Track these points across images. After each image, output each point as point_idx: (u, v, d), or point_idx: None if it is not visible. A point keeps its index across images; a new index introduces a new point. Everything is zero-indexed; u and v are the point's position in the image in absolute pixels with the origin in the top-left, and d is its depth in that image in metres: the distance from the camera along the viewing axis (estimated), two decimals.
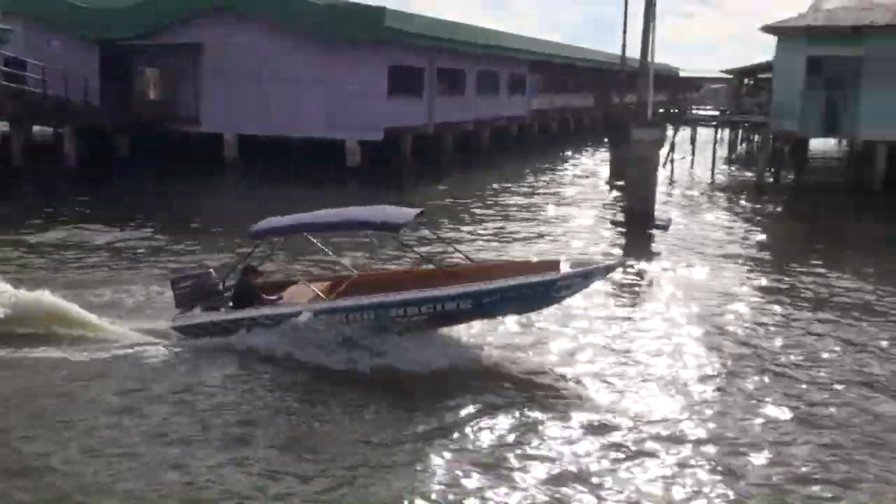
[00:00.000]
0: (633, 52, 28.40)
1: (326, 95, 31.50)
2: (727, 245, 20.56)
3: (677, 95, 70.43)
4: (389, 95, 32.42)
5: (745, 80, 44.39)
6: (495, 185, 30.57)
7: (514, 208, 25.56)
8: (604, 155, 40.66)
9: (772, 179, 31.64)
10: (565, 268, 11.78)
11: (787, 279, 16.77)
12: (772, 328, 13.20)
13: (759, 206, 27.37)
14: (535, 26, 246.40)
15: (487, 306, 11.72)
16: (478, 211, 24.86)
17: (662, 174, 29.80)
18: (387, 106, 32.25)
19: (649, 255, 18.99)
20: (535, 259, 14.99)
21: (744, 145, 48.85)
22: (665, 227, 21.83)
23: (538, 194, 28.90)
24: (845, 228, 24.17)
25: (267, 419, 9.58)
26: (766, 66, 31.87)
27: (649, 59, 24.56)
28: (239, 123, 32.30)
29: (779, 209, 27.24)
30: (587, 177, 34.68)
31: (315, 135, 31.69)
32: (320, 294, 12.05)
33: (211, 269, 13.13)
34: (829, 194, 30.84)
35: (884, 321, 13.69)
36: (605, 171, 34.83)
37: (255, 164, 31.20)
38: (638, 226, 21.54)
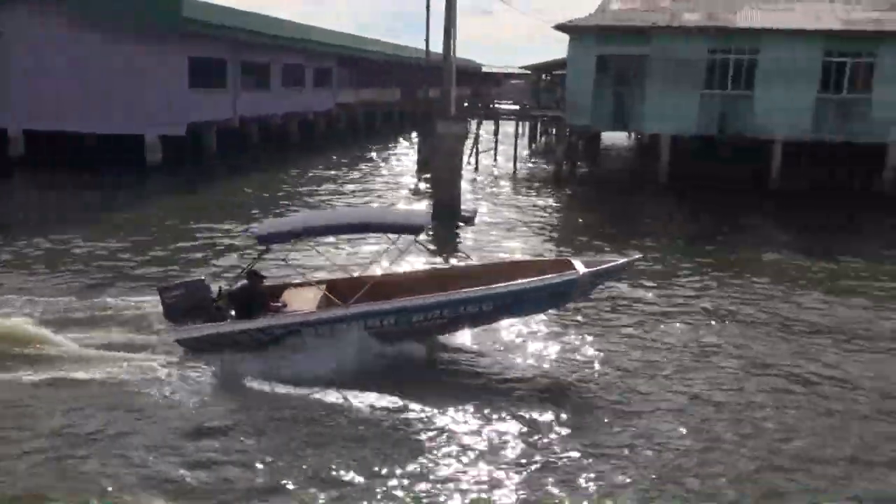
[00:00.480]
0: (437, 47, 28.98)
1: (123, 88, 29.86)
2: (528, 233, 21.53)
3: (480, 90, 72.41)
4: (191, 88, 31.30)
5: (543, 76, 46.48)
6: (302, 180, 30.31)
7: (323, 204, 25.44)
8: (411, 148, 41.29)
9: (569, 171, 33.36)
10: (580, 266, 11.67)
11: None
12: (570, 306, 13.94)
13: (557, 195, 28.85)
14: (348, 21, 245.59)
15: (511, 308, 11.63)
16: (286, 208, 24.52)
17: (467, 167, 30.76)
18: (189, 99, 31.12)
19: (457, 246, 19.56)
20: (546, 257, 15.30)
21: (543, 138, 51.10)
22: (471, 219, 22.53)
23: (346, 189, 28.90)
24: (634, 215, 25.90)
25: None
26: (562, 63, 33.46)
27: (452, 54, 25.18)
28: (26, 118, 30.03)
29: (575, 198, 28.80)
30: (395, 170, 35.10)
31: (112, 130, 30.05)
32: (334, 298, 11.55)
33: (202, 277, 12.49)
34: (620, 184, 32.93)
35: (663, 287, 14.90)
36: (412, 164, 35.41)
37: (44, 163, 29.14)
38: (445, 218, 22.07)
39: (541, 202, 27.25)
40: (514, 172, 34.64)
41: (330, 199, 25.99)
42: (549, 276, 11.52)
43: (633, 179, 34.30)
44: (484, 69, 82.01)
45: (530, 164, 38.75)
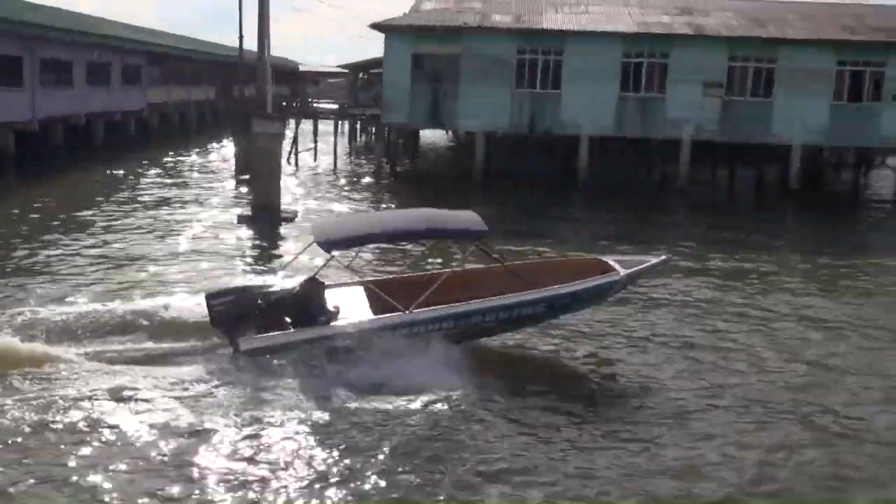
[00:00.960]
0: (252, 44, 28.48)
1: None
2: None
3: (298, 89, 71.62)
4: None
5: (361, 75, 46.66)
6: (112, 185, 28.92)
7: (134, 211, 24.34)
8: (229, 149, 40.30)
9: (389, 168, 33.75)
10: (618, 266, 11.98)
11: (408, 260, 18.09)
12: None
13: (378, 193, 29.17)
14: (154, 17, 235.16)
15: (558, 309, 11.92)
16: (91, 217, 22.97)
17: (287, 166, 30.46)
18: None
19: (278, 248, 19.38)
20: (572, 256, 15.28)
21: (363, 137, 51.31)
22: (292, 219, 22.37)
23: (158, 195, 27.86)
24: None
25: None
26: (379, 62, 33.77)
27: (266, 52, 24.87)
28: None
29: (395, 195, 29.18)
30: (211, 171, 34.18)
31: None
32: (390, 300, 11.15)
33: (249, 284, 11.93)
34: (438, 181, 33.66)
35: None
36: (230, 165, 34.60)
37: None
38: (265, 219, 21.79)
39: (362, 200, 27.43)
40: (335, 171, 34.63)
41: (145, 208, 24.95)
42: (596, 277, 11.90)
43: (451, 176, 35.18)
44: (301, 68, 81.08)
45: (351, 163, 38.85)
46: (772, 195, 32.42)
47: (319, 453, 8.89)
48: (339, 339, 10.72)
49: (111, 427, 9.16)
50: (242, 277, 14.52)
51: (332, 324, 11.01)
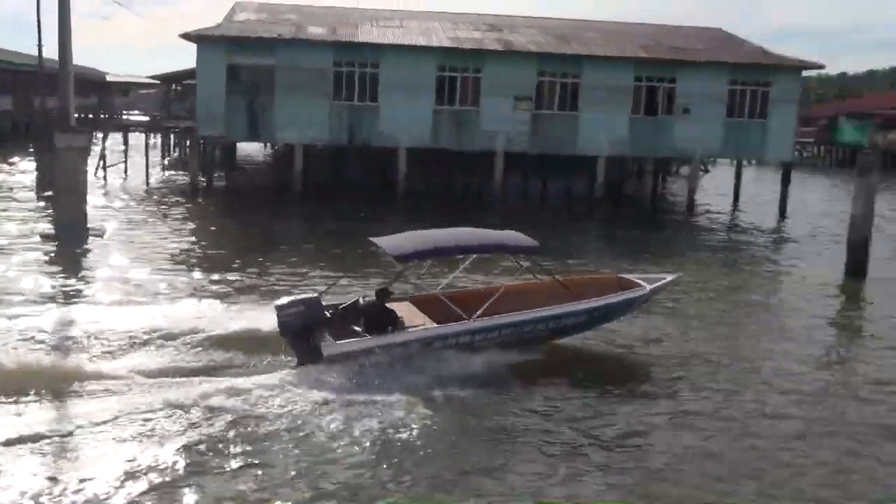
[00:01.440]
0: (52, 52, 26.90)
1: None
2: (164, 248, 20.90)
3: (105, 100, 68.27)
4: None
5: (174, 86, 45.17)
6: None
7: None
8: (29, 164, 37.77)
9: (205, 182, 32.84)
10: (642, 282, 13.59)
11: (230, 276, 17.71)
12: (222, 314, 13.88)
13: (193, 208, 28.28)
14: None
15: (596, 320, 13.22)
16: None
17: (95, 182, 28.98)
18: None
19: (84, 266, 18.43)
20: (594, 273, 16.81)
21: (177, 150, 49.65)
22: (99, 236, 21.34)
23: None
24: (269, 224, 26.08)
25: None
26: (193, 73, 32.81)
27: (69, 60, 23.56)
28: None
29: (211, 210, 28.44)
30: (10, 188, 31.90)
31: None
32: (456, 309, 12.20)
33: (317, 294, 12.42)
34: (257, 195, 33.13)
35: None
36: (30, 180, 32.42)
37: None
38: (71, 237, 20.65)
39: (176, 215, 26.54)
40: (147, 186, 33.28)
41: None
42: (628, 291, 13.35)
43: (270, 189, 34.69)
44: (109, 78, 77.36)
45: (164, 178, 37.44)
46: (580, 203, 34.18)
47: (422, 448, 9.66)
48: (411, 346, 11.70)
49: (224, 439, 9.56)
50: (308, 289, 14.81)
51: (403, 331, 11.97)
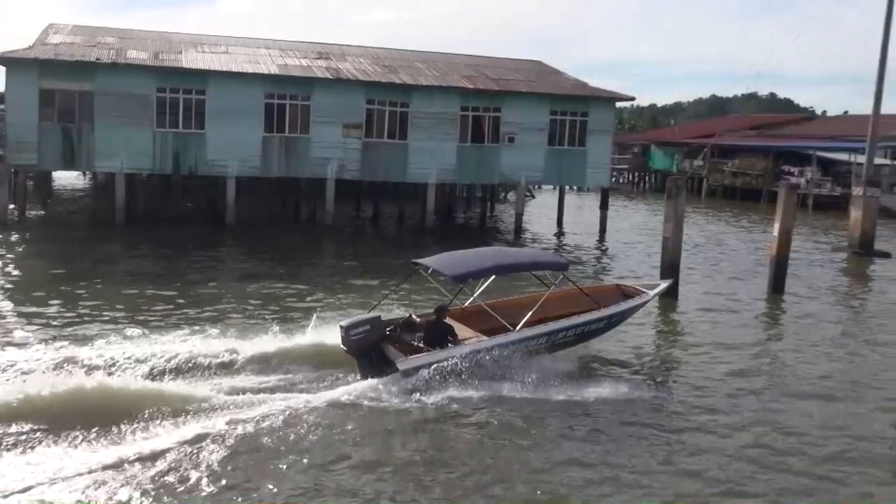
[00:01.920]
0: None
1: None
2: None
3: None
4: None
5: None
6: None
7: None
8: None
9: (17, 214, 30.86)
10: (643, 289, 15.84)
11: (40, 308, 16.75)
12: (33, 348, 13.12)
13: (3, 241, 26.46)
14: None
15: (612, 325, 14.99)
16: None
17: None
18: None
19: None
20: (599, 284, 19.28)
21: None
22: None
23: None
24: (86, 258, 24.74)
25: None
26: (1, 98, 30.86)
27: None
28: None
29: (24, 243, 26.73)
30: None
31: None
32: (501, 320, 13.72)
33: (379, 314, 13.44)
34: (76, 227, 31.45)
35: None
36: None
37: None
38: None
39: None
40: None
41: None
42: (636, 297, 15.44)
43: (90, 221, 33.03)
44: None
45: None
46: (412, 229, 34.71)
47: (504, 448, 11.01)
48: (473, 356, 12.81)
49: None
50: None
51: (462, 343, 13.21)
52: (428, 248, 30.32)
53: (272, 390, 12.32)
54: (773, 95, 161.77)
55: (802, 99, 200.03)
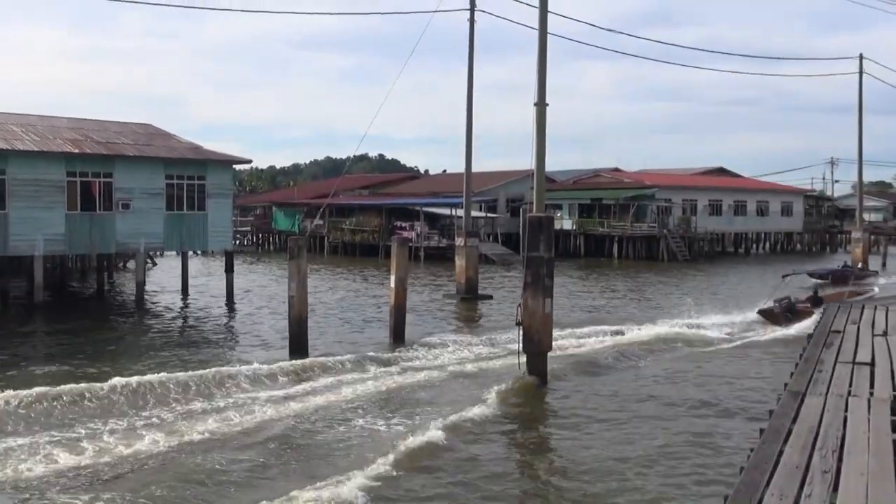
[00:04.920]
0: None
1: None
2: None
3: None
4: None
5: None
6: None
7: None
8: None
9: None
10: None
11: None
12: None
13: None
14: None
15: None
16: None
17: None
18: None
19: None
20: None
21: None
22: None
23: None
24: None
25: None
26: None
27: None
28: None
29: None
30: None
31: None
32: None
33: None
34: None
35: None
36: None
37: None
38: None
39: None
40: None
41: None
42: None
43: None
44: None
45: None
46: (20, 307, 31.55)
47: None
48: None
49: None
50: None
51: None
52: (35, 331, 27.71)
53: None
54: (381, 156, 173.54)
55: (407, 159, 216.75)
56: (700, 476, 12.47)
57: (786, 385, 12.82)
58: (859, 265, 47.25)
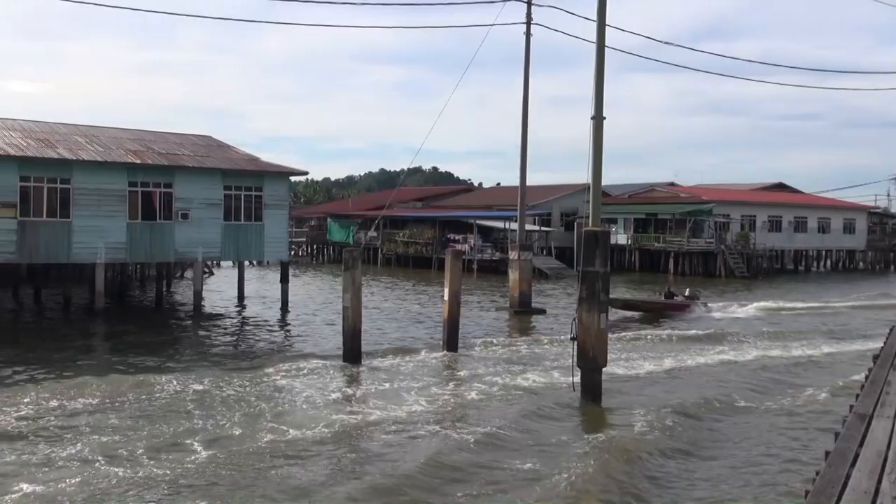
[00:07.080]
0: None
1: None
2: None
3: None
4: None
5: None
6: None
7: None
8: None
9: None
10: None
11: None
12: None
13: None
14: None
15: None
16: None
17: None
18: None
19: None
20: None
21: None
22: None
23: None
24: None
25: None
26: None
27: None
28: None
29: None
30: None
31: None
32: None
33: None
34: None
35: None
36: None
37: None
38: None
39: None
40: None
41: None
42: None
43: None
44: None
45: None
46: (81, 313, 32.26)
47: None
48: None
49: None
50: None
51: None
52: (97, 332, 28.43)
53: None
54: (435, 169, 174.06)
55: (460, 171, 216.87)
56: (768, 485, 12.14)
57: (851, 407, 12.41)
58: None
